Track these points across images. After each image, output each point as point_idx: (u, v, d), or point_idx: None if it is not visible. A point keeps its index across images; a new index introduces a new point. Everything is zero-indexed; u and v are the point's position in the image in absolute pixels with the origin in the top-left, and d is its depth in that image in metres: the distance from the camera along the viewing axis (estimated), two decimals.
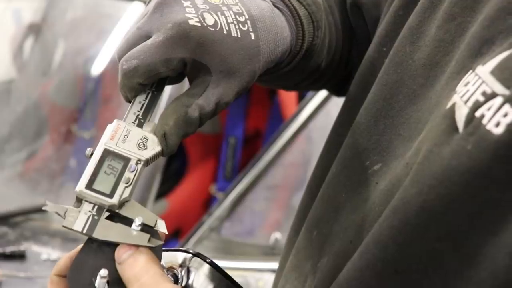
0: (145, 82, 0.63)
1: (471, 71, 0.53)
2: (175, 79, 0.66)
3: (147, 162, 0.61)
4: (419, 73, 0.61)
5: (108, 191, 0.59)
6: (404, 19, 0.66)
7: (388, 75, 0.64)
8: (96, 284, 0.57)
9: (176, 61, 0.61)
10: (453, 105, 0.52)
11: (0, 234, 1.85)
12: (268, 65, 0.66)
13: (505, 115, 0.48)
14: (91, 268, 0.58)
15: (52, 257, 1.78)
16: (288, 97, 2.73)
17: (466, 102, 0.51)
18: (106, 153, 0.61)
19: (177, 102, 0.62)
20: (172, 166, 2.85)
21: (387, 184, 0.58)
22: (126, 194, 0.59)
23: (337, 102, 2.26)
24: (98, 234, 0.58)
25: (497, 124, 0.48)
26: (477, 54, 0.54)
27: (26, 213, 1.90)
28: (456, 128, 0.51)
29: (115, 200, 0.59)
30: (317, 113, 2.05)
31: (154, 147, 0.62)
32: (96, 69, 2.20)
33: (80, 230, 0.59)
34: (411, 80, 0.62)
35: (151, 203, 1.96)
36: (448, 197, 0.49)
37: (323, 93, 2.06)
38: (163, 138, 0.61)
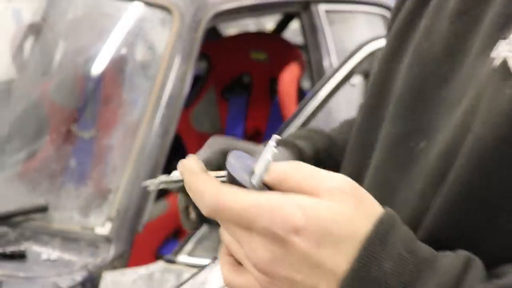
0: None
1: (500, 40, 0.65)
2: None
3: None
4: (443, 62, 0.73)
5: None
6: (408, 34, 0.80)
7: (412, 71, 0.75)
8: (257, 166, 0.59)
9: (219, 151, 0.83)
10: (504, 60, 0.63)
11: (0, 234, 1.85)
12: None
13: None
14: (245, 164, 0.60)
15: (52, 257, 1.78)
16: (288, 97, 2.73)
17: None
18: None
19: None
20: (172, 165, 2.85)
21: (442, 151, 0.67)
22: None
23: (338, 102, 2.25)
24: None
25: None
26: (503, 27, 0.66)
27: (26, 213, 1.90)
28: (511, 74, 0.62)
29: None
30: (317, 113, 2.05)
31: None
32: (96, 69, 2.20)
33: None
34: (436, 68, 0.73)
35: (151, 203, 1.96)
36: None
37: (323, 93, 2.06)
38: None
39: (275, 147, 0.59)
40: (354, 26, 3.04)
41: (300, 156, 0.90)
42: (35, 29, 2.34)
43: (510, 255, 0.60)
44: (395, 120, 0.76)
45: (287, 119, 2.08)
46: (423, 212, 0.66)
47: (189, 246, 1.91)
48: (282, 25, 3.34)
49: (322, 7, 2.70)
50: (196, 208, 0.86)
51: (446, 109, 0.70)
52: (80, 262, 1.78)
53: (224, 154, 0.81)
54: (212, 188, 0.58)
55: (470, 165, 0.62)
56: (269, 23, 3.79)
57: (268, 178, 0.58)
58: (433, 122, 0.71)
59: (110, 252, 1.83)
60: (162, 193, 2.68)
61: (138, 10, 2.24)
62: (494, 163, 0.61)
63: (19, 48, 2.35)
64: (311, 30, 2.65)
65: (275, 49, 3.10)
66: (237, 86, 3.14)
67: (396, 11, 0.86)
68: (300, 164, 0.58)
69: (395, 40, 0.82)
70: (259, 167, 0.58)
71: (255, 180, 0.58)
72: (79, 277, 1.74)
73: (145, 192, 1.92)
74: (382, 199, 0.70)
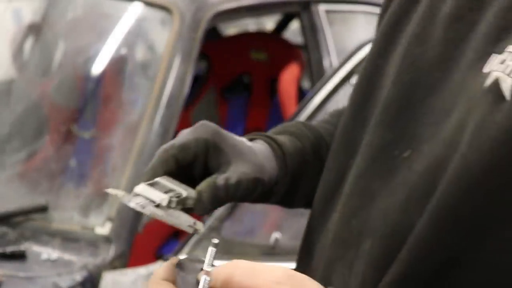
0: (178, 156, 0.77)
1: (493, 54, 0.64)
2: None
3: (184, 199, 0.75)
4: (434, 69, 0.71)
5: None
6: (395, 35, 0.78)
7: (401, 76, 0.74)
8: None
9: (202, 140, 0.78)
10: (497, 80, 0.63)
11: (0, 234, 1.85)
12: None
13: None
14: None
15: (52, 257, 1.78)
16: (288, 97, 2.73)
17: (509, 74, 0.62)
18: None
19: (209, 177, 0.77)
20: None
21: (428, 164, 0.67)
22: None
23: (338, 102, 2.25)
24: None
25: None
26: (496, 40, 0.65)
27: (26, 213, 1.91)
28: (503, 97, 0.61)
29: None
30: (317, 113, 2.05)
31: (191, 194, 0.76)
32: (96, 69, 2.20)
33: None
34: (426, 76, 0.71)
35: None
36: (510, 153, 0.59)
37: (323, 93, 2.06)
38: (199, 193, 0.76)
39: (214, 248, 0.66)
40: (354, 26, 3.04)
41: (281, 151, 0.85)
42: (35, 29, 2.34)
43: (495, 282, 0.60)
44: (379, 126, 0.74)
45: (287, 119, 2.08)
46: (406, 228, 0.65)
47: (189, 246, 1.91)
48: (282, 25, 3.34)
49: (322, 7, 2.70)
50: None
51: (434, 119, 0.69)
52: (80, 262, 1.78)
53: (206, 144, 0.78)
54: None
55: (456, 188, 0.62)
56: (269, 23, 3.79)
57: (214, 286, 0.63)
58: (419, 131, 0.70)
59: (110, 252, 1.83)
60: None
61: (138, 10, 2.24)
62: (481, 189, 0.60)
63: (19, 48, 2.36)
64: (311, 30, 2.66)
65: (275, 49, 3.11)
66: (237, 86, 3.14)
67: (384, 8, 0.84)
68: (238, 263, 0.63)
69: (382, 40, 0.80)
70: (202, 282, 0.64)
71: None
72: (79, 277, 1.74)
73: None
74: (361, 206, 0.73)
